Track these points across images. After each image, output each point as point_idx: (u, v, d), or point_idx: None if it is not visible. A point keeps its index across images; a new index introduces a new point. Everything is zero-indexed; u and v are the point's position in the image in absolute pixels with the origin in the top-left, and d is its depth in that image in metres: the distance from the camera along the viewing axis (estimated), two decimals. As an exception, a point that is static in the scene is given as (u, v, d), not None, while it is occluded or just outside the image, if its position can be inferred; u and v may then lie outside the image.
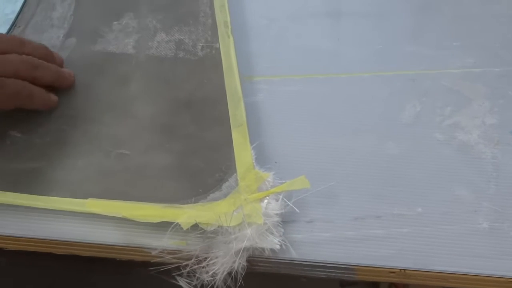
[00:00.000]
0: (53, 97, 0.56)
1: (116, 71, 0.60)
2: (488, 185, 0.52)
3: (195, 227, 0.46)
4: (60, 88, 0.57)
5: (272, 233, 0.47)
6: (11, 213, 0.49)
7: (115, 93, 0.58)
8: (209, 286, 0.45)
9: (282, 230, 0.47)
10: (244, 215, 0.47)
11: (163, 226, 0.47)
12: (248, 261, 0.46)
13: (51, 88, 0.56)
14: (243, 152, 0.52)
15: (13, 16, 0.65)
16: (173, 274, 0.46)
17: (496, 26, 0.67)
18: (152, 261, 0.47)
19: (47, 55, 0.56)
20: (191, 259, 0.46)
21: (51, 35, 0.63)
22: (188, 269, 0.46)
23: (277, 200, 0.48)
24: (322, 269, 0.47)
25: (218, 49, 0.62)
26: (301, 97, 0.59)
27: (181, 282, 0.46)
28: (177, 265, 0.46)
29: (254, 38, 0.65)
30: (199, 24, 0.64)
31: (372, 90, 0.60)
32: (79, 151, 0.53)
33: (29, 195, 0.49)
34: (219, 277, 0.45)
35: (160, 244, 0.47)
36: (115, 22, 0.65)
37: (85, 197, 0.49)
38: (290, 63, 0.63)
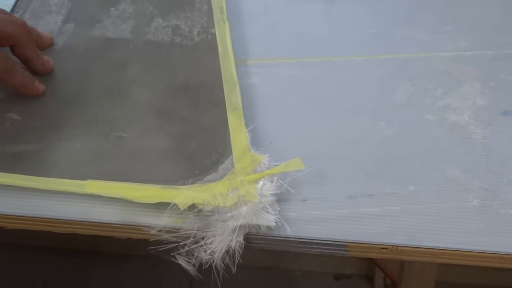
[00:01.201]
0: (40, 86, 0.57)
1: (113, 56, 0.60)
2: (479, 164, 0.52)
3: (192, 207, 0.47)
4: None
5: (267, 211, 0.47)
6: (11, 193, 0.49)
7: (112, 78, 0.58)
8: (207, 264, 0.46)
9: (278, 208, 0.48)
10: (240, 195, 0.47)
11: (161, 206, 0.47)
12: (244, 238, 0.46)
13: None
14: (238, 135, 0.53)
15: (12, 2, 0.66)
16: (172, 254, 0.46)
17: (488, 10, 0.68)
18: (150, 239, 0.47)
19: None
20: (189, 238, 0.46)
21: (48, 21, 0.63)
22: (186, 248, 0.46)
23: (272, 182, 0.49)
24: (316, 246, 0.47)
25: (214, 34, 0.62)
26: (295, 80, 0.60)
27: (181, 261, 0.46)
28: (175, 244, 0.46)
29: (249, 23, 0.65)
30: (195, 10, 0.65)
31: (365, 73, 0.61)
32: (77, 134, 0.53)
33: (28, 176, 0.50)
34: (217, 255, 0.46)
35: (159, 222, 0.47)
36: (112, 8, 0.65)
37: (84, 179, 0.49)
38: (284, 47, 0.63)
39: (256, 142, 0.52)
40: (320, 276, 1.03)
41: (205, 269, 0.46)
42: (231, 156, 0.51)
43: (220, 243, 0.46)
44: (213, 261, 0.46)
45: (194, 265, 0.46)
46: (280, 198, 0.49)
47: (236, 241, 0.46)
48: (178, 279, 0.93)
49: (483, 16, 0.67)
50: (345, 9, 0.68)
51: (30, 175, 0.50)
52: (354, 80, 0.60)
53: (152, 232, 0.47)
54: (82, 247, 1.01)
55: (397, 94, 0.58)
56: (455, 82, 0.60)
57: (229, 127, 0.53)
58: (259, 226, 0.47)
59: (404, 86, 0.59)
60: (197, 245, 0.46)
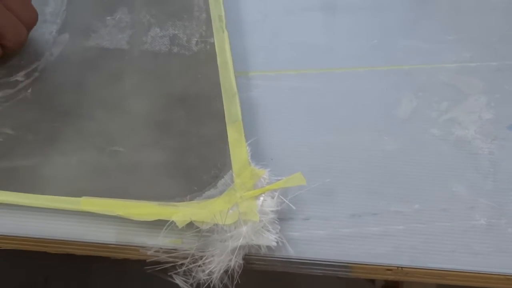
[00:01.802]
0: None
1: (109, 67, 0.60)
2: (485, 181, 0.52)
3: (191, 225, 0.46)
4: None
5: (268, 230, 0.46)
6: (3, 211, 0.49)
7: (108, 89, 0.58)
8: (205, 285, 0.45)
9: (279, 227, 0.47)
10: (240, 212, 0.46)
11: (158, 224, 0.46)
12: (244, 259, 0.46)
13: None
14: (238, 149, 0.52)
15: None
16: (169, 273, 0.46)
17: (493, 19, 0.67)
18: (147, 260, 0.46)
19: None
20: (187, 258, 0.46)
21: (43, 31, 0.63)
22: (184, 268, 0.46)
23: (273, 197, 0.48)
24: (318, 267, 0.47)
25: (212, 44, 0.62)
26: (296, 92, 0.59)
27: (178, 280, 0.46)
28: (173, 264, 0.46)
29: (249, 32, 0.65)
30: (193, 19, 0.64)
31: (368, 85, 0.60)
32: (72, 148, 0.53)
33: (21, 194, 0.49)
34: (216, 276, 0.45)
35: (155, 242, 0.46)
36: (108, 17, 0.64)
37: (79, 195, 0.48)
38: (285, 58, 0.63)
39: (256, 156, 0.52)
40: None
41: (203, 290, 0.46)
42: (230, 171, 0.50)
43: (219, 263, 0.45)
44: (211, 282, 0.45)
45: (191, 285, 0.46)
46: (281, 216, 0.48)
47: (235, 262, 0.45)
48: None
49: (487, 26, 0.67)
50: (346, 19, 0.68)
51: (23, 192, 0.49)
52: (356, 92, 0.59)
53: (149, 253, 0.46)
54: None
55: (400, 107, 0.58)
56: (460, 94, 0.59)
57: (229, 141, 0.53)
58: (259, 246, 0.46)
59: (407, 98, 0.59)
60: (195, 265, 0.46)
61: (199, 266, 0.45)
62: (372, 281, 1.12)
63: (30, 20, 0.59)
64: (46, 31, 0.63)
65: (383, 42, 0.65)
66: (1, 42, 0.57)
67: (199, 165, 0.51)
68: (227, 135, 0.53)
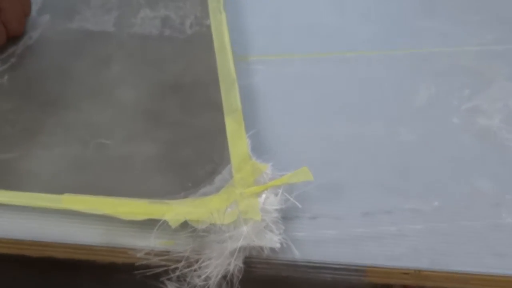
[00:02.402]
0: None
1: (95, 52, 0.60)
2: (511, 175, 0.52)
3: (185, 225, 0.46)
4: None
5: (271, 231, 0.46)
6: None
7: (94, 76, 0.58)
8: (201, 293, 0.46)
9: (283, 227, 0.47)
10: (240, 211, 0.46)
11: (149, 224, 0.46)
12: (245, 262, 0.46)
13: None
14: (238, 141, 0.52)
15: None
16: (161, 279, 0.46)
17: None
18: (137, 264, 0.46)
19: None
20: (180, 261, 0.46)
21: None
22: (177, 272, 0.46)
23: (276, 195, 0.48)
24: (328, 271, 0.47)
25: (209, 26, 0.62)
26: (302, 79, 0.60)
27: (171, 287, 0.46)
28: (165, 268, 0.46)
29: (249, 13, 0.66)
30: None
31: (381, 71, 0.61)
32: (54, 141, 0.53)
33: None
34: (213, 281, 0.45)
35: (145, 244, 0.46)
36: None
37: (61, 192, 0.48)
38: (289, 41, 0.63)
39: (257, 149, 0.52)
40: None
41: (199, 297, 0.46)
42: (229, 165, 0.51)
43: (216, 267, 0.45)
44: (208, 288, 0.45)
45: (186, 293, 0.46)
46: (286, 215, 0.48)
47: (235, 265, 0.45)
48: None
49: None
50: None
51: (2, 189, 0.49)
52: (368, 78, 0.60)
53: (139, 255, 0.46)
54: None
55: (417, 94, 0.58)
56: (483, 80, 0.59)
57: (227, 132, 0.53)
58: (261, 248, 0.46)
59: (425, 85, 0.59)
60: (189, 269, 0.46)
61: (194, 270, 0.45)
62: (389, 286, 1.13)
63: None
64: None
65: (398, 24, 0.65)
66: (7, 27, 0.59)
67: (194, 159, 0.52)
68: (225, 126, 0.54)
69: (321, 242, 0.47)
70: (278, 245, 0.46)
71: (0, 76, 0.58)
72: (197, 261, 0.45)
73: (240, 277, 0.45)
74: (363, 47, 0.62)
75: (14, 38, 0.61)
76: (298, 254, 0.46)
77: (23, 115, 0.55)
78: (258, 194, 0.48)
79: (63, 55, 0.60)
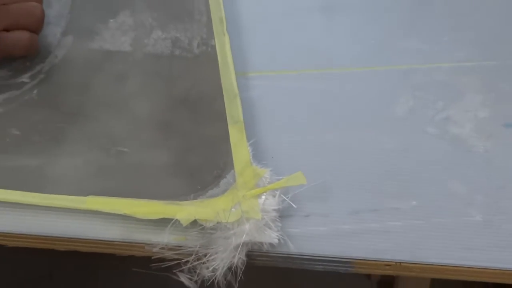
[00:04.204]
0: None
1: (113, 69, 0.60)
2: (481, 178, 0.52)
3: (194, 223, 0.47)
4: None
5: (270, 228, 0.47)
6: (11, 210, 0.49)
7: (112, 91, 0.58)
8: (210, 282, 0.46)
9: (280, 224, 0.47)
10: (242, 211, 0.47)
11: (163, 222, 0.47)
12: (247, 255, 0.46)
13: None
14: (240, 149, 0.52)
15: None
16: (174, 271, 0.46)
17: (487, 20, 0.68)
18: (153, 257, 0.47)
19: None
20: (191, 255, 0.46)
21: (47, 33, 0.63)
22: (188, 265, 0.46)
23: (274, 196, 0.48)
24: (319, 263, 0.47)
25: (213, 46, 0.62)
26: (296, 92, 0.59)
27: (183, 278, 0.46)
28: (177, 261, 0.46)
29: (249, 34, 0.65)
30: (195, 22, 0.64)
31: (366, 85, 0.60)
32: (78, 149, 0.53)
33: (28, 193, 0.49)
34: (219, 272, 0.45)
35: (160, 240, 0.46)
36: (111, 20, 0.64)
37: (85, 195, 0.49)
38: (284, 59, 0.63)
39: (257, 156, 0.52)
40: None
41: (207, 286, 0.46)
42: (232, 170, 0.51)
43: (222, 260, 0.46)
44: (215, 278, 0.45)
45: (196, 282, 0.46)
46: (282, 214, 0.48)
47: (239, 258, 0.45)
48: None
49: (482, 26, 0.67)
50: (344, 20, 0.68)
51: (30, 191, 0.49)
52: (355, 92, 0.60)
53: (154, 250, 0.46)
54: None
55: (398, 106, 0.58)
56: (456, 93, 0.59)
57: (231, 141, 0.53)
58: (261, 243, 0.46)
59: (404, 98, 0.59)
60: (199, 262, 0.46)
61: (203, 263, 0.46)
62: (368, 275, 1.12)
63: (38, 24, 0.60)
64: (50, 33, 0.63)
65: (381, 43, 0.65)
66: (18, 54, 0.59)
67: (202, 165, 0.52)
68: (229, 135, 0.53)
69: (313, 238, 0.48)
70: (276, 241, 0.46)
71: (30, 90, 0.57)
72: (205, 255, 0.46)
73: (243, 268, 0.45)
74: (349, 64, 0.62)
75: (41, 56, 0.60)
76: (293, 248, 0.47)
77: (50, 125, 0.55)
78: (258, 196, 0.48)
79: (85, 72, 0.59)
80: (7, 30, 0.57)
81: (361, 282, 1.15)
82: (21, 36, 0.58)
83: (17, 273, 1.14)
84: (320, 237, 0.48)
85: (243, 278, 0.46)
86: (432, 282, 0.78)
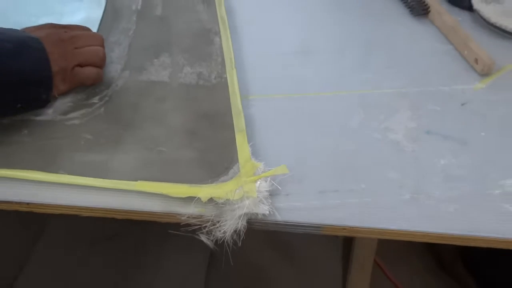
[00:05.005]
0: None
1: (155, 94, 0.60)
2: (409, 169, 0.52)
3: (211, 200, 0.47)
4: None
5: (263, 203, 0.47)
6: (86, 191, 0.49)
7: (155, 108, 0.58)
8: (221, 240, 0.46)
9: (270, 201, 0.48)
10: (244, 191, 0.47)
11: (189, 199, 0.47)
12: (247, 222, 0.46)
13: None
14: (243, 149, 0.52)
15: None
16: (197, 232, 0.46)
17: (416, 59, 0.68)
18: (182, 223, 0.47)
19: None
20: (208, 222, 0.46)
21: (110, 69, 0.63)
22: (206, 229, 0.46)
23: (266, 181, 0.49)
24: (298, 227, 0.47)
25: (225, 78, 0.62)
26: (282, 110, 0.59)
27: (203, 237, 0.46)
28: (199, 226, 0.46)
29: (250, 69, 0.65)
30: (213, 61, 0.64)
31: (332, 104, 0.60)
32: (130, 149, 0.53)
33: (98, 179, 0.49)
34: (228, 234, 0.46)
35: (187, 211, 0.47)
36: (155, 60, 0.65)
37: (135, 180, 0.49)
38: (274, 86, 0.62)
39: (255, 154, 0.52)
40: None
41: (220, 243, 0.46)
42: (237, 163, 0.51)
43: (230, 225, 0.46)
44: (225, 238, 0.46)
45: (212, 241, 0.46)
46: (271, 193, 0.48)
47: (241, 224, 0.46)
48: (201, 250, 0.93)
49: (411, 65, 0.67)
50: (317, 60, 0.67)
51: (98, 177, 0.49)
52: (324, 109, 0.60)
53: (183, 218, 0.47)
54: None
55: (353, 119, 0.58)
56: (393, 111, 0.59)
57: (237, 144, 0.53)
58: (257, 213, 0.47)
59: (358, 113, 0.59)
60: (214, 226, 0.46)
61: (216, 227, 0.46)
62: (336, 236, 1.12)
63: (101, 62, 0.60)
64: (113, 69, 0.63)
65: (342, 75, 0.65)
66: (87, 83, 0.59)
67: (217, 160, 0.52)
68: (235, 139, 0.53)
69: (293, 210, 0.48)
70: (267, 212, 0.47)
71: (98, 108, 0.57)
72: (218, 222, 0.46)
73: (244, 231, 0.46)
74: (320, 90, 0.62)
75: (107, 85, 0.60)
76: (279, 217, 0.47)
77: (112, 132, 0.55)
78: (255, 181, 0.49)
79: (136, 96, 0.60)
80: (81, 66, 0.57)
81: (332, 239, 1.15)
82: (90, 71, 0.58)
83: (93, 231, 1.13)
84: (298, 210, 0.48)
85: (244, 237, 0.46)
86: (379, 241, 0.78)
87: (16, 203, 0.48)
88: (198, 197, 0.47)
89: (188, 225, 0.47)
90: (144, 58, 0.65)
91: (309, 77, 0.64)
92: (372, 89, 0.62)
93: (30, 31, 0.55)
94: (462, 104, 0.60)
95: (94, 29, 0.67)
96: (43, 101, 0.56)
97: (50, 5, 0.71)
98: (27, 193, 0.48)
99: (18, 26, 0.56)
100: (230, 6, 0.73)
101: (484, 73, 0.63)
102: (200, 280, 1.06)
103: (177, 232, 0.48)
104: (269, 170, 0.50)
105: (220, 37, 0.67)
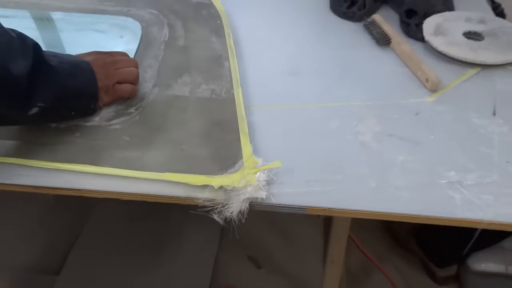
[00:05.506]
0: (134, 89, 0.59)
1: (179, 105, 0.60)
2: (375, 163, 0.52)
3: (221, 187, 0.47)
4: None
5: (261, 190, 0.47)
6: (123, 180, 0.49)
7: (178, 117, 0.58)
8: (229, 218, 0.46)
9: (267, 188, 0.48)
10: (247, 180, 0.47)
11: (205, 186, 0.47)
12: (249, 204, 0.47)
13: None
14: (246, 147, 0.52)
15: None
16: (210, 213, 0.47)
17: (381, 78, 0.67)
18: (199, 205, 0.47)
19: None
20: (219, 204, 0.46)
21: (144, 86, 0.63)
22: (218, 210, 0.46)
23: (264, 173, 0.49)
24: (288, 208, 0.48)
25: (233, 93, 0.61)
26: (278, 118, 0.59)
27: (215, 216, 0.47)
28: (212, 207, 0.47)
29: (252, 86, 0.64)
30: (223, 80, 0.64)
31: (316, 114, 0.60)
32: (159, 147, 0.53)
33: (134, 171, 0.49)
34: (235, 214, 0.46)
35: (203, 196, 0.47)
36: (178, 79, 0.64)
37: (164, 172, 0.49)
38: (271, 100, 0.62)
39: (255, 151, 0.52)
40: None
41: (228, 221, 0.47)
42: (242, 159, 0.51)
43: (236, 207, 0.46)
44: (232, 216, 0.46)
45: (222, 219, 0.47)
46: (268, 182, 0.49)
47: (245, 206, 0.46)
48: (214, 225, 0.94)
49: (378, 82, 0.66)
50: (305, 78, 0.67)
51: (135, 170, 0.50)
52: (310, 117, 0.59)
53: (200, 201, 0.47)
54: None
55: (332, 124, 0.58)
56: (362, 118, 0.59)
57: (241, 143, 0.53)
58: (257, 198, 0.47)
59: (336, 120, 0.59)
60: (224, 208, 0.46)
61: (226, 209, 0.46)
62: (318, 215, 1.11)
63: (136, 80, 0.60)
64: (145, 87, 0.63)
65: (324, 91, 0.64)
66: (125, 97, 0.59)
67: (226, 156, 0.52)
68: (240, 140, 0.53)
69: (285, 195, 0.48)
70: (265, 196, 0.47)
71: (134, 116, 0.57)
72: (227, 204, 0.46)
73: (247, 211, 0.46)
74: (307, 102, 0.62)
75: (140, 99, 0.60)
76: (274, 201, 0.47)
77: (145, 134, 0.54)
78: (255, 173, 0.49)
79: (164, 107, 0.59)
80: (120, 83, 0.58)
81: (314, 218, 1.15)
82: (127, 87, 0.59)
83: (129, 213, 1.14)
84: (288, 195, 0.48)
85: (247, 217, 0.46)
86: (352, 219, 0.78)
87: (70, 189, 0.49)
88: (212, 185, 0.47)
89: (204, 206, 0.47)
90: (170, 78, 0.65)
91: (297, 93, 0.64)
92: (346, 102, 0.62)
93: (82, 56, 0.56)
94: (416, 114, 0.60)
95: (131, 55, 0.67)
96: (92, 110, 0.56)
97: (97, 42, 0.74)
98: (78, 182, 0.49)
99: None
100: (237, 39, 0.73)
101: (433, 90, 0.64)
102: (214, 248, 1.08)
103: (195, 212, 0.48)
104: (267, 164, 0.50)
105: (229, 62, 0.67)
